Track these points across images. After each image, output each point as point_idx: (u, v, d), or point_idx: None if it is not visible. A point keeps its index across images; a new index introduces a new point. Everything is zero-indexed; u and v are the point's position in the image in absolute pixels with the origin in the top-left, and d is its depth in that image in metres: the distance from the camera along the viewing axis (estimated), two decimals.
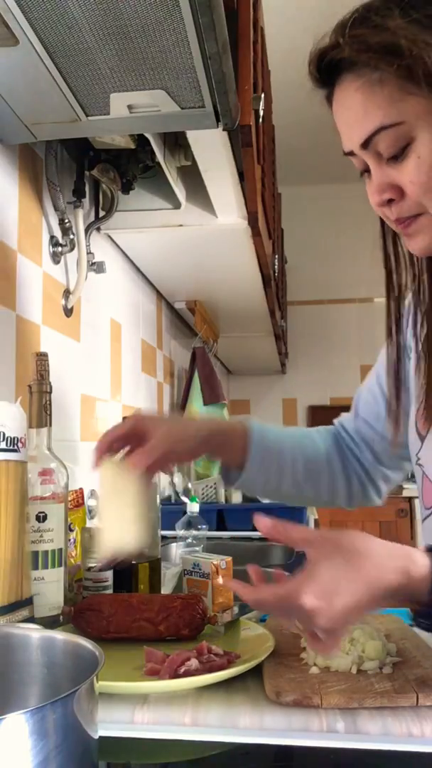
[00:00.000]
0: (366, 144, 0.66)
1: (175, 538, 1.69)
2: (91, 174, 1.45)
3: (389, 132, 0.64)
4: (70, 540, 1.08)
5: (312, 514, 2.23)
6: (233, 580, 0.66)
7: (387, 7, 0.62)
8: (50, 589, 0.89)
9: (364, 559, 0.59)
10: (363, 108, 0.64)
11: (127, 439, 0.81)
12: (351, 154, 0.69)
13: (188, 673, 0.68)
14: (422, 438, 0.81)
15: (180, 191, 1.54)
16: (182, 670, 0.69)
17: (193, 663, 0.70)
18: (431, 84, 0.60)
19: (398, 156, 0.65)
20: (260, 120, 1.35)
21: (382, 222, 0.75)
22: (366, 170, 0.70)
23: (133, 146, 1.35)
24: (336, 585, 0.58)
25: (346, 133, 0.68)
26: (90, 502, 1.50)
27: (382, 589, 0.59)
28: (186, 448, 0.82)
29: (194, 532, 1.63)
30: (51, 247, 1.36)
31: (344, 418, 1.04)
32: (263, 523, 0.63)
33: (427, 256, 0.74)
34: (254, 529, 1.87)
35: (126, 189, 1.52)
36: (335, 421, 1.05)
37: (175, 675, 0.68)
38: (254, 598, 0.61)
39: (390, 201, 0.68)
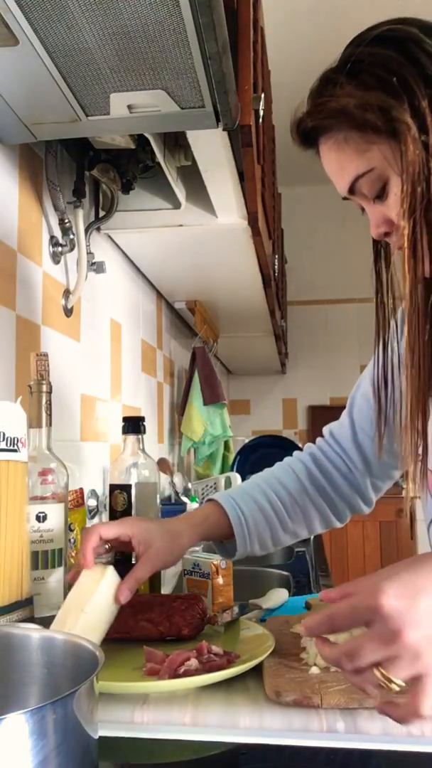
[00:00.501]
0: (351, 191, 0.76)
1: None
2: (91, 174, 1.45)
3: (365, 178, 0.74)
4: (70, 540, 1.08)
5: None
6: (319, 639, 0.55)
7: (336, 76, 0.72)
8: (50, 589, 0.89)
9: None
10: (338, 163, 0.76)
11: (116, 545, 0.86)
12: (347, 198, 0.79)
13: (188, 673, 0.68)
14: None
15: (180, 191, 1.54)
16: (182, 670, 0.69)
17: (193, 663, 0.70)
18: (384, 134, 0.70)
19: (381, 195, 0.74)
20: (260, 120, 1.35)
21: (375, 244, 0.83)
22: (363, 208, 0.79)
23: (133, 146, 1.35)
24: (417, 580, 0.50)
25: (336, 184, 0.78)
26: (90, 502, 1.50)
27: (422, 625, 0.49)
28: (172, 561, 0.87)
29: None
30: (51, 247, 1.36)
31: (334, 426, 1.06)
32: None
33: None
34: None
35: (126, 189, 1.52)
36: (324, 429, 1.07)
37: (175, 675, 0.68)
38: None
39: (387, 233, 0.77)
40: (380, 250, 0.82)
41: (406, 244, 0.70)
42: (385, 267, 0.83)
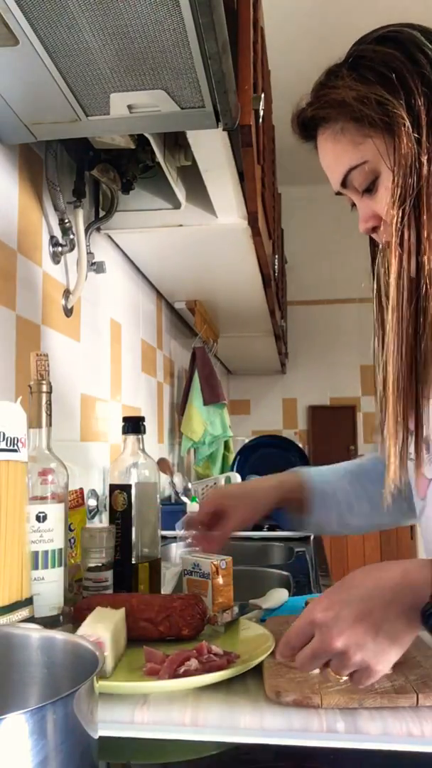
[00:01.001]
0: (344, 183, 0.78)
1: (175, 538, 1.69)
2: (91, 174, 1.45)
3: (358, 171, 0.75)
4: (70, 540, 1.08)
5: None
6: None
7: (339, 70, 0.75)
8: (50, 589, 0.89)
9: (359, 573, 0.63)
10: (334, 154, 0.77)
11: (206, 523, 0.96)
12: (340, 192, 0.81)
13: (188, 673, 0.68)
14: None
15: (180, 191, 1.54)
16: (182, 670, 0.69)
17: (193, 663, 0.70)
18: (379, 128, 0.72)
19: (371, 189, 0.76)
20: (260, 120, 1.35)
21: (371, 246, 0.85)
22: (354, 204, 0.81)
23: (133, 146, 1.35)
24: (339, 596, 0.62)
25: (330, 177, 0.80)
26: (90, 502, 1.50)
27: (386, 588, 0.60)
28: (255, 520, 0.96)
29: (194, 532, 1.63)
30: (51, 247, 1.36)
31: None
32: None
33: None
34: (254, 529, 1.87)
35: (126, 189, 1.52)
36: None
37: (175, 675, 0.68)
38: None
39: (375, 228, 0.78)
40: (376, 252, 0.84)
41: (393, 236, 0.72)
42: (382, 269, 0.84)
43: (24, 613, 0.79)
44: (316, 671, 0.69)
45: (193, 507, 1.66)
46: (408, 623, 0.59)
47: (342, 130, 0.75)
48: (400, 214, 0.71)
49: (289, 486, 0.99)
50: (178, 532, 0.99)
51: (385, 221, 0.75)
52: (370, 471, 1.03)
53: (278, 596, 1.03)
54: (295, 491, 0.99)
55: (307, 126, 0.80)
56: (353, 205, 0.81)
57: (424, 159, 0.71)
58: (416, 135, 0.70)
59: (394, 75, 0.71)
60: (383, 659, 0.59)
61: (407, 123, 0.70)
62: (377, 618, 0.59)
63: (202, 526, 0.97)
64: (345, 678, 0.63)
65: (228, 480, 2.24)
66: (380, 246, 0.83)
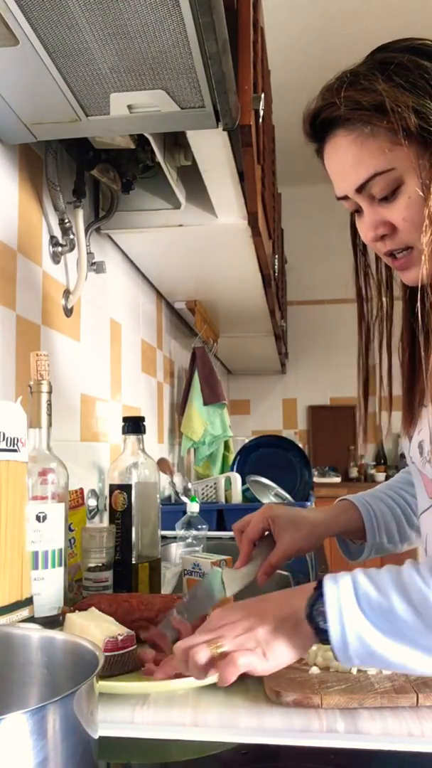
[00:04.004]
0: (361, 188, 0.76)
1: (175, 538, 1.69)
2: (91, 174, 1.45)
3: (382, 177, 0.74)
4: (70, 540, 1.08)
5: None
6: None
7: (372, 73, 0.73)
8: (50, 589, 0.89)
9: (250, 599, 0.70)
10: (357, 158, 0.75)
11: (262, 533, 0.93)
12: (344, 198, 0.79)
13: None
14: (410, 438, 0.87)
15: (180, 191, 1.54)
16: None
17: None
18: (413, 137, 0.71)
19: (389, 197, 0.74)
20: (260, 120, 1.35)
21: (356, 257, 0.88)
22: (357, 210, 0.80)
23: (133, 146, 1.35)
24: (230, 608, 0.70)
25: (341, 180, 0.78)
26: (90, 502, 1.50)
27: (281, 594, 0.68)
28: (307, 549, 0.92)
29: (194, 532, 1.63)
30: (51, 247, 1.36)
31: None
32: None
33: (409, 288, 0.83)
34: None
35: (126, 189, 1.52)
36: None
37: (175, 675, 0.68)
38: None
39: (383, 236, 0.78)
40: (360, 263, 0.88)
41: (427, 247, 0.72)
42: (364, 275, 0.88)
43: (24, 613, 0.79)
44: (316, 670, 0.70)
45: (193, 507, 1.66)
46: (297, 625, 0.63)
47: (372, 134, 0.73)
48: None
49: (343, 521, 0.97)
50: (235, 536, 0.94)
51: (398, 229, 0.75)
52: (406, 478, 1.04)
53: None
54: (351, 523, 0.97)
55: (324, 125, 0.77)
56: (356, 211, 0.80)
57: None
58: None
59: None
60: (265, 646, 0.63)
61: None
62: (268, 613, 0.65)
63: (253, 544, 0.93)
64: (374, 670, 0.69)
65: (228, 480, 2.24)
66: (361, 260, 0.88)
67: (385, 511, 0.98)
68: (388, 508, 0.99)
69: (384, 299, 0.87)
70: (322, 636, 0.61)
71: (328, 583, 0.63)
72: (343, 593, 0.61)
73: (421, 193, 0.72)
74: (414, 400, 0.82)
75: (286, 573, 1.47)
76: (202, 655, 0.62)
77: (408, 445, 0.87)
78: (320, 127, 0.78)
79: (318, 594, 0.62)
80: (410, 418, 0.83)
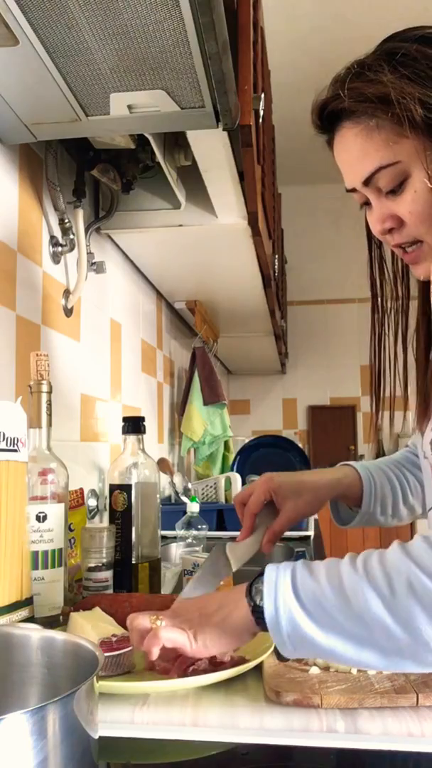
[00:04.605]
0: (367, 181, 0.75)
1: (175, 538, 1.69)
2: (91, 174, 1.45)
3: (388, 170, 0.72)
4: (70, 540, 1.08)
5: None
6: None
7: (378, 64, 0.72)
8: (50, 589, 0.89)
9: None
10: (363, 150, 0.74)
11: (264, 505, 0.92)
12: (353, 190, 0.78)
13: (196, 673, 0.68)
14: (422, 433, 0.86)
15: (180, 191, 1.54)
16: (191, 669, 0.69)
17: (203, 664, 0.70)
18: (419, 129, 0.70)
19: (396, 190, 0.73)
20: (260, 120, 1.35)
21: (370, 250, 0.86)
22: (366, 203, 0.79)
23: (133, 146, 1.35)
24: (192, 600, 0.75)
25: (348, 173, 0.77)
26: (90, 502, 1.50)
27: (227, 591, 0.71)
28: (311, 513, 0.93)
29: (194, 532, 1.63)
30: (51, 247, 1.36)
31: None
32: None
33: (425, 282, 0.82)
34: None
35: (126, 189, 1.52)
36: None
37: (184, 674, 0.68)
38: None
39: (391, 229, 0.77)
40: (374, 256, 0.86)
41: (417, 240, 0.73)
42: (378, 270, 0.86)
43: (24, 613, 0.79)
44: (316, 670, 0.70)
45: (193, 507, 1.66)
46: (236, 604, 0.67)
47: (377, 127, 0.72)
48: None
49: (345, 483, 0.97)
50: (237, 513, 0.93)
51: (406, 222, 0.75)
52: (408, 457, 1.04)
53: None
54: (351, 487, 0.97)
55: (331, 118, 0.76)
56: (364, 204, 0.79)
57: None
58: None
59: None
60: (198, 628, 0.67)
61: None
62: (212, 600, 0.70)
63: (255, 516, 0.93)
64: (314, 667, 0.72)
65: (228, 480, 2.24)
66: (376, 251, 0.86)
67: (384, 483, 0.99)
68: (388, 480, 0.99)
69: (400, 293, 0.87)
70: (257, 614, 0.64)
71: (270, 566, 0.66)
72: (281, 575, 0.64)
73: (429, 185, 0.70)
74: (429, 396, 0.82)
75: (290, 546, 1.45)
76: (142, 620, 0.69)
77: (420, 440, 0.87)
78: (328, 119, 0.77)
79: (259, 573, 0.66)
80: (424, 414, 0.82)
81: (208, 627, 0.67)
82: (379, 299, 0.87)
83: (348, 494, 0.97)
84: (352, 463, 1.00)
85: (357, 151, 0.74)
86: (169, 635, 0.67)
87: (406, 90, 0.69)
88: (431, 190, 0.70)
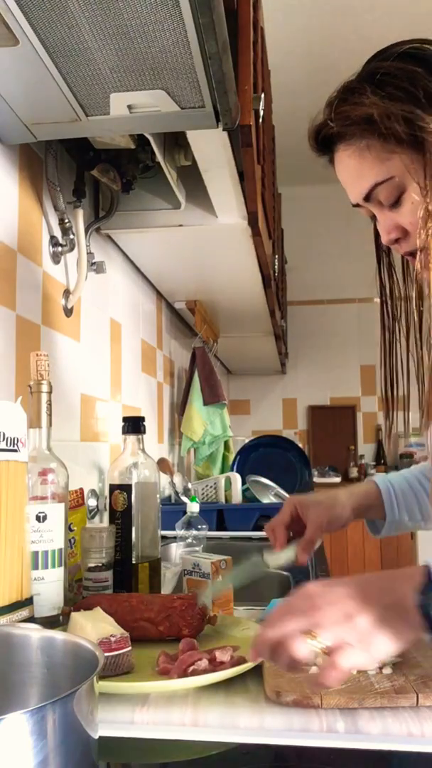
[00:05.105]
0: (367, 198, 0.79)
1: (175, 538, 1.69)
2: (91, 174, 1.45)
3: (384, 186, 0.76)
4: (70, 540, 1.08)
5: None
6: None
7: (362, 86, 0.75)
8: (50, 589, 0.89)
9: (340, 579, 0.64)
10: (358, 170, 0.78)
11: (290, 525, 0.94)
12: (358, 206, 0.82)
13: (196, 673, 0.68)
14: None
15: (180, 191, 1.54)
16: (191, 670, 0.69)
17: (203, 664, 0.70)
18: (405, 144, 0.73)
19: (395, 204, 0.77)
20: (260, 120, 1.35)
21: (378, 256, 0.88)
22: (373, 216, 0.82)
23: (133, 146, 1.35)
24: (336, 579, 0.63)
25: (350, 191, 0.81)
26: (90, 502, 1.50)
27: (384, 576, 0.62)
28: (337, 526, 0.95)
29: (194, 532, 1.63)
30: (51, 247, 1.36)
31: None
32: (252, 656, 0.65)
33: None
34: (254, 529, 1.88)
35: (126, 189, 1.52)
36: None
37: (184, 674, 0.68)
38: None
39: (398, 239, 0.80)
40: (383, 263, 0.88)
41: (420, 249, 0.74)
42: (387, 275, 0.88)
43: (24, 613, 0.79)
44: (316, 671, 0.70)
45: (193, 507, 1.66)
46: (403, 614, 0.58)
47: (367, 146, 0.76)
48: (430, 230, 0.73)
49: (361, 493, 1.00)
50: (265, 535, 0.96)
51: (410, 232, 0.78)
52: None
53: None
54: (370, 497, 1.00)
55: (327, 143, 0.81)
56: (372, 217, 0.83)
57: None
58: None
59: (421, 92, 0.72)
60: (368, 640, 0.57)
61: None
62: (371, 598, 0.59)
63: (287, 529, 0.95)
64: (373, 669, 0.67)
65: (228, 480, 2.24)
66: (384, 252, 0.87)
67: (407, 490, 1.01)
68: (410, 487, 1.01)
69: (411, 295, 0.88)
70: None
71: None
72: None
73: (417, 198, 0.73)
74: None
75: (286, 573, 1.47)
76: (301, 649, 0.57)
77: (428, 440, 0.87)
78: (323, 143, 0.81)
79: (429, 581, 0.58)
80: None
81: (377, 637, 0.58)
82: (389, 305, 0.88)
83: (369, 503, 1.00)
84: (375, 476, 1.04)
85: (353, 171, 0.79)
86: (351, 662, 0.57)
87: (388, 109, 0.73)
88: (421, 201, 0.73)
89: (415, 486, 1.02)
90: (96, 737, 0.46)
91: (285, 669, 0.59)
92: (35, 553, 0.88)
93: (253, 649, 0.63)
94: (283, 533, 0.93)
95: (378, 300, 0.89)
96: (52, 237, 1.36)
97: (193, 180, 1.52)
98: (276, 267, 2.54)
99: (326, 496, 0.97)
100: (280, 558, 0.89)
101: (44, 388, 0.94)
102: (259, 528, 1.98)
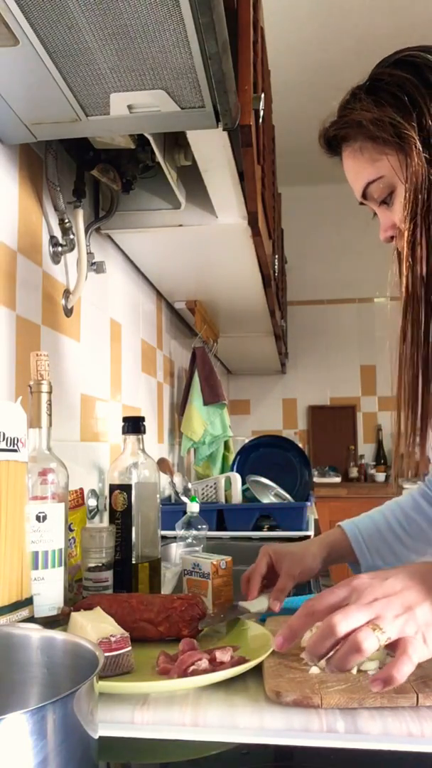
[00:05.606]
0: (364, 195, 0.85)
1: (175, 538, 1.69)
2: (91, 174, 1.45)
3: (375, 185, 0.82)
4: (70, 540, 1.08)
5: (312, 514, 2.23)
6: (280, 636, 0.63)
7: (360, 92, 0.82)
8: (50, 589, 0.89)
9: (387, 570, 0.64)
10: (355, 169, 0.85)
11: (266, 575, 0.96)
12: (363, 203, 0.88)
13: (196, 673, 0.68)
14: None
15: (180, 191, 1.54)
16: (191, 670, 0.69)
17: (203, 664, 0.70)
18: (392, 146, 0.79)
19: (388, 201, 0.83)
20: (260, 120, 1.35)
21: (397, 249, 0.89)
22: (375, 213, 0.88)
23: (133, 146, 1.35)
24: (376, 576, 0.62)
25: (353, 188, 0.88)
26: (90, 502, 1.50)
27: (420, 574, 0.61)
28: (309, 576, 0.99)
29: (194, 532, 1.63)
30: (51, 247, 1.36)
31: None
32: (279, 643, 0.64)
33: None
34: (254, 529, 1.88)
35: (126, 189, 1.52)
36: (426, 479, 1.10)
37: (184, 674, 0.68)
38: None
39: (393, 237, 0.85)
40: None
41: (405, 247, 0.78)
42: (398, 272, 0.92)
43: (24, 613, 0.79)
44: (316, 670, 0.70)
45: (193, 507, 1.66)
46: None
47: (361, 148, 0.82)
48: (412, 227, 0.77)
49: (331, 543, 1.03)
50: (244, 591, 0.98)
51: (401, 231, 0.81)
52: (409, 500, 1.08)
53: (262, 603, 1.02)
54: (341, 546, 1.04)
55: (332, 143, 0.88)
56: (375, 214, 0.87)
57: None
58: (426, 155, 0.76)
59: (406, 98, 0.77)
60: (428, 631, 0.57)
61: (418, 143, 0.76)
62: (427, 589, 0.59)
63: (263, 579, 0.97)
64: (373, 668, 0.65)
65: (228, 480, 2.24)
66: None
67: (374, 534, 1.04)
68: (378, 530, 1.05)
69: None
70: None
71: None
72: None
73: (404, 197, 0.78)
74: None
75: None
76: (371, 643, 0.56)
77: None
78: (329, 144, 0.88)
79: None
80: None
81: None
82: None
83: (341, 553, 1.04)
84: (344, 522, 1.07)
85: (352, 170, 0.86)
86: (419, 655, 0.57)
87: (377, 114, 0.79)
88: (404, 201, 0.78)
89: (382, 529, 1.05)
90: (96, 737, 0.46)
91: (337, 665, 0.57)
92: (35, 553, 0.88)
93: (285, 637, 0.62)
94: (257, 584, 0.95)
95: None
96: (52, 237, 1.36)
97: (193, 180, 1.52)
98: (276, 267, 2.54)
99: (299, 547, 1.01)
100: (253, 606, 0.92)
101: (44, 388, 0.94)
102: (258, 528, 1.98)
